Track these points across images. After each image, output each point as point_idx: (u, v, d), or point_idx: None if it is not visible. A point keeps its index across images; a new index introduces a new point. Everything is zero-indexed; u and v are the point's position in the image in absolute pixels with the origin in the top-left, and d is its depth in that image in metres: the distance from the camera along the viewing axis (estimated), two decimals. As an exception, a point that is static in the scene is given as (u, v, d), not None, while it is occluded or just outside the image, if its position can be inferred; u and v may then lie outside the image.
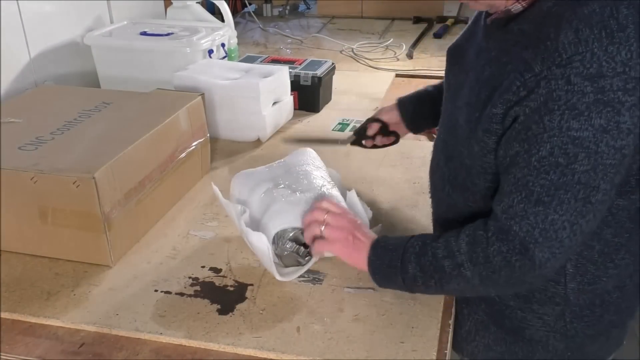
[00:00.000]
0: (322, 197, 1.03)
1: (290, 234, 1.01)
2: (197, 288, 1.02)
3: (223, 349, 0.90)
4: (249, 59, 1.85)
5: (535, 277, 0.84)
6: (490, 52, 0.89)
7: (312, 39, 2.51)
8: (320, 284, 1.03)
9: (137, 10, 2.09)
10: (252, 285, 1.03)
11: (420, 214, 1.23)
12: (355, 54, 2.29)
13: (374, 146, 1.32)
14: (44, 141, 1.13)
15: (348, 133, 1.56)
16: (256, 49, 2.40)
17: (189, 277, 1.05)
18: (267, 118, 1.55)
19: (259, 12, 2.91)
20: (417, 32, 2.51)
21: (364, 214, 1.06)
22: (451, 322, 0.98)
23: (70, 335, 0.94)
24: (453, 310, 1.00)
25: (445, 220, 1.02)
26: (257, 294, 1.01)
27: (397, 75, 2.08)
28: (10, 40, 1.58)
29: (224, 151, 1.53)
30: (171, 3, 2.02)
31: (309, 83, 1.73)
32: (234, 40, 1.93)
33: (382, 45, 2.36)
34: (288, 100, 1.65)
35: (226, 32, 1.85)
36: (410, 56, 2.25)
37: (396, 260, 0.90)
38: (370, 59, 2.23)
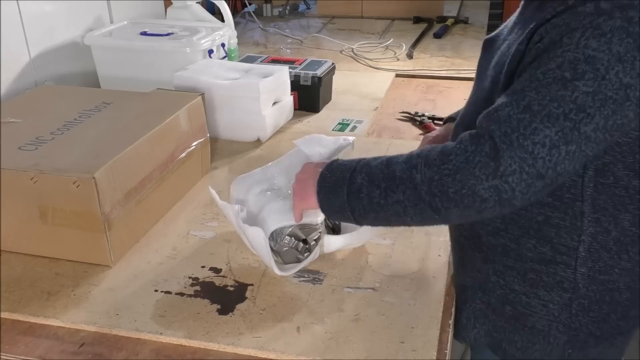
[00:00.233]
0: None
1: (289, 230, 1.01)
2: (197, 288, 1.03)
3: (223, 349, 0.90)
4: (249, 59, 1.85)
5: (488, 191, 0.76)
6: (521, 22, 0.88)
7: (312, 39, 2.51)
8: (320, 284, 1.03)
9: (137, 10, 2.09)
10: (252, 285, 1.03)
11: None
12: (355, 54, 2.29)
13: None
14: (44, 141, 1.13)
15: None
16: (256, 49, 2.40)
17: (189, 277, 1.05)
18: (267, 118, 1.55)
19: (259, 12, 2.91)
20: (417, 32, 2.51)
21: (330, 148, 1.04)
22: (451, 322, 0.98)
23: (70, 335, 0.94)
24: (453, 310, 1.00)
25: None
26: (257, 294, 1.01)
27: (397, 75, 2.08)
28: (10, 40, 1.58)
29: (224, 151, 1.53)
30: (171, 3, 2.02)
31: (309, 83, 1.73)
32: (234, 40, 1.93)
33: (382, 45, 2.36)
34: (288, 100, 1.65)
35: (226, 32, 1.85)
36: (410, 56, 2.25)
37: (347, 171, 0.86)
38: (370, 59, 2.23)
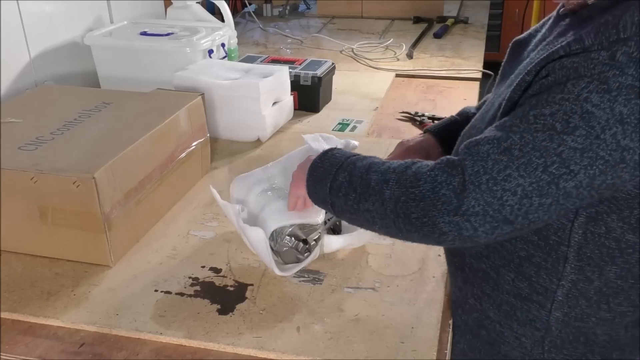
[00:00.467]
0: None
1: (289, 230, 1.01)
2: (197, 288, 1.02)
3: (223, 349, 0.90)
4: (249, 59, 1.85)
5: (448, 225, 0.73)
6: (550, 37, 0.83)
7: (312, 39, 2.51)
8: (320, 284, 1.03)
9: (137, 10, 2.09)
10: (252, 285, 1.03)
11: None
12: (355, 54, 2.29)
13: None
14: (44, 141, 1.13)
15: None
16: (256, 49, 2.40)
17: (189, 277, 1.05)
18: (267, 118, 1.55)
19: (259, 12, 2.91)
20: (417, 32, 2.51)
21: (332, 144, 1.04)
22: (451, 322, 0.98)
23: (70, 335, 0.94)
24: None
25: None
26: (257, 294, 1.01)
27: (397, 75, 2.08)
28: (10, 40, 1.58)
29: (224, 151, 1.53)
30: (171, 3, 2.02)
31: (309, 83, 1.73)
32: (234, 40, 1.93)
33: (382, 45, 2.36)
34: (288, 100, 1.65)
35: (226, 32, 1.85)
36: (410, 56, 2.25)
37: (335, 166, 0.86)
38: (370, 59, 2.23)
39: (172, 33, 1.77)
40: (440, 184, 0.74)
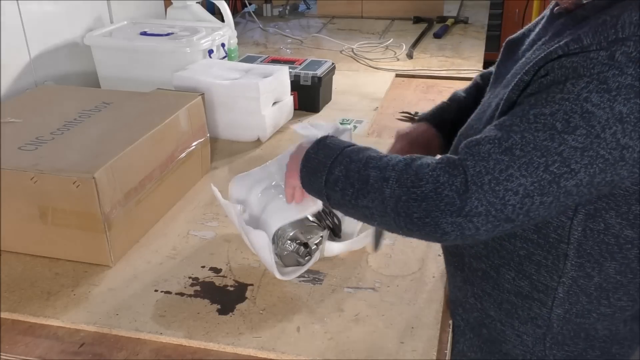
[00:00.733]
0: None
1: (290, 234, 1.01)
2: (197, 288, 1.02)
3: (223, 349, 0.90)
4: (249, 59, 1.85)
5: (451, 226, 0.73)
6: (546, 36, 0.84)
7: (312, 39, 2.51)
8: (320, 284, 1.03)
9: (137, 10, 2.09)
10: (252, 285, 1.03)
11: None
12: (355, 54, 2.29)
13: None
14: (44, 141, 1.13)
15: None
16: (256, 49, 2.40)
17: (189, 277, 1.05)
18: (267, 118, 1.55)
19: (259, 12, 2.91)
20: (417, 32, 2.51)
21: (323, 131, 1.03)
22: (451, 322, 0.98)
23: (70, 335, 0.94)
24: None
25: None
26: (257, 294, 1.01)
27: (397, 75, 2.08)
28: (10, 40, 1.58)
29: (224, 151, 1.53)
30: (171, 3, 2.02)
31: (309, 83, 1.73)
32: (234, 40, 1.93)
33: (382, 45, 2.36)
34: (288, 100, 1.65)
35: (226, 32, 1.85)
36: (410, 56, 2.25)
37: (330, 158, 0.84)
38: (370, 59, 2.23)
39: (172, 33, 1.77)
40: (443, 184, 0.73)
